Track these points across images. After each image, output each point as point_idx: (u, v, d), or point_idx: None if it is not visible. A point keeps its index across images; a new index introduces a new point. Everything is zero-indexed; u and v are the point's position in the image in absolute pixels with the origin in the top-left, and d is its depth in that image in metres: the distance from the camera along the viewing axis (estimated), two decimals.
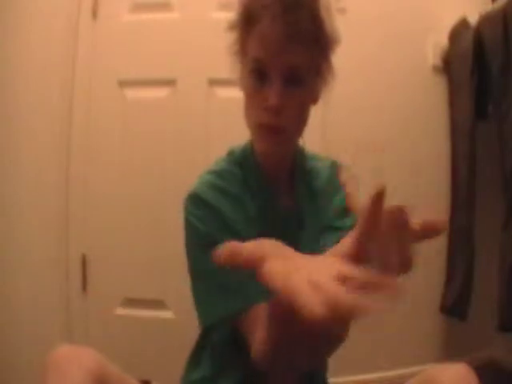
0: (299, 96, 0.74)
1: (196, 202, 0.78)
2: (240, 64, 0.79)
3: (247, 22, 0.74)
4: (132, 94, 1.73)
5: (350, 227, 0.74)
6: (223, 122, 1.64)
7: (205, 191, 0.78)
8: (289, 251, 0.37)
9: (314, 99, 0.81)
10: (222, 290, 0.71)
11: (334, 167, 0.86)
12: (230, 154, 0.86)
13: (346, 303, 0.27)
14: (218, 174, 0.81)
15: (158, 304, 1.68)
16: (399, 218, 0.37)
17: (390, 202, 0.37)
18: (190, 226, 0.78)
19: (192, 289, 0.78)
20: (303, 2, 0.71)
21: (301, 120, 0.78)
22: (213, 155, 0.89)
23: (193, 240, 0.78)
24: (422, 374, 0.68)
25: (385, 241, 0.37)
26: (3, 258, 1.66)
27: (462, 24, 1.75)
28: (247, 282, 0.59)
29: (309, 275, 0.29)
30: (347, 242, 0.38)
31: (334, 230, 0.78)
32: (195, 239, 0.77)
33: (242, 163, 0.83)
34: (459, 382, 0.60)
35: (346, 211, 0.78)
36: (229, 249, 0.34)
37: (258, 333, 0.54)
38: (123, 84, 1.73)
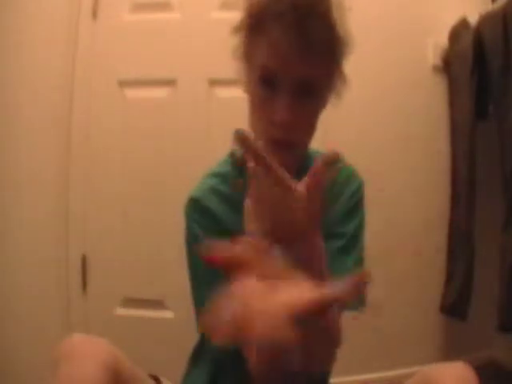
0: (311, 107, 0.71)
1: (196, 207, 0.76)
2: (245, 69, 0.75)
3: (256, 29, 0.69)
4: (132, 93, 1.73)
5: (353, 232, 0.73)
6: (223, 122, 1.64)
7: (206, 196, 0.76)
8: (271, 266, 0.42)
9: (324, 105, 0.78)
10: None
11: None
12: (232, 155, 0.83)
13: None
14: (222, 177, 0.78)
15: (157, 304, 1.68)
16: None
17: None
18: (188, 231, 0.77)
19: (191, 293, 0.77)
20: (318, 9, 0.66)
21: (312, 130, 0.75)
22: (213, 155, 0.88)
23: (191, 245, 0.77)
24: (420, 374, 0.67)
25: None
26: (3, 258, 1.66)
27: (462, 24, 1.75)
28: None
29: (261, 311, 0.37)
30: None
31: (337, 236, 0.74)
32: (193, 244, 0.76)
33: (244, 167, 0.82)
34: (459, 381, 0.60)
35: (348, 216, 0.76)
36: (214, 247, 0.37)
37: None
38: (123, 84, 1.73)
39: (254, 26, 0.70)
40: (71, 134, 1.71)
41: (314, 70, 0.68)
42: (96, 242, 1.70)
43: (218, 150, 0.87)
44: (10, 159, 1.68)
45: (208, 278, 0.70)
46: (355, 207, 0.78)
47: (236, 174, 0.79)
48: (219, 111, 1.67)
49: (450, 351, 1.75)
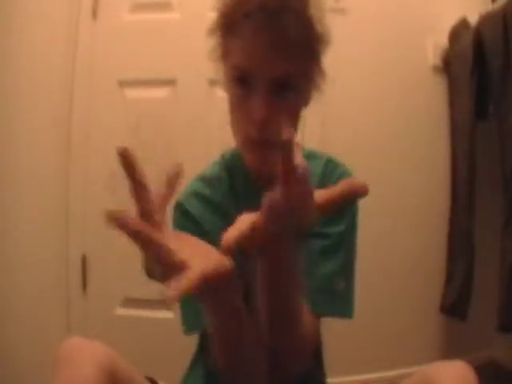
0: (288, 105, 0.70)
1: (178, 211, 0.77)
2: (222, 69, 0.75)
3: (228, 29, 0.69)
4: (132, 93, 1.73)
5: (339, 234, 0.72)
6: (223, 121, 1.63)
7: (188, 200, 0.77)
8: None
9: (305, 103, 0.76)
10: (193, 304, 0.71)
11: (328, 166, 0.80)
12: (222, 156, 0.85)
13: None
14: (206, 180, 0.80)
15: (157, 304, 1.68)
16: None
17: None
18: None
19: None
20: (289, 6, 0.65)
21: (293, 127, 0.73)
22: (213, 155, 0.89)
23: None
24: (420, 373, 0.66)
25: None
26: (3, 258, 1.66)
27: (462, 24, 1.75)
28: None
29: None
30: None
31: (321, 236, 0.73)
32: None
33: (231, 168, 0.81)
34: (459, 381, 0.59)
35: (335, 217, 0.74)
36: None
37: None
38: (123, 84, 1.73)
39: (227, 26, 0.70)
40: (71, 133, 1.71)
41: (288, 67, 0.67)
42: (96, 242, 1.70)
43: (217, 150, 0.88)
44: (10, 159, 1.68)
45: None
46: (343, 209, 0.75)
47: (219, 177, 0.81)
48: (219, 111, 1.67)
49: (449, 351, 1.75)
